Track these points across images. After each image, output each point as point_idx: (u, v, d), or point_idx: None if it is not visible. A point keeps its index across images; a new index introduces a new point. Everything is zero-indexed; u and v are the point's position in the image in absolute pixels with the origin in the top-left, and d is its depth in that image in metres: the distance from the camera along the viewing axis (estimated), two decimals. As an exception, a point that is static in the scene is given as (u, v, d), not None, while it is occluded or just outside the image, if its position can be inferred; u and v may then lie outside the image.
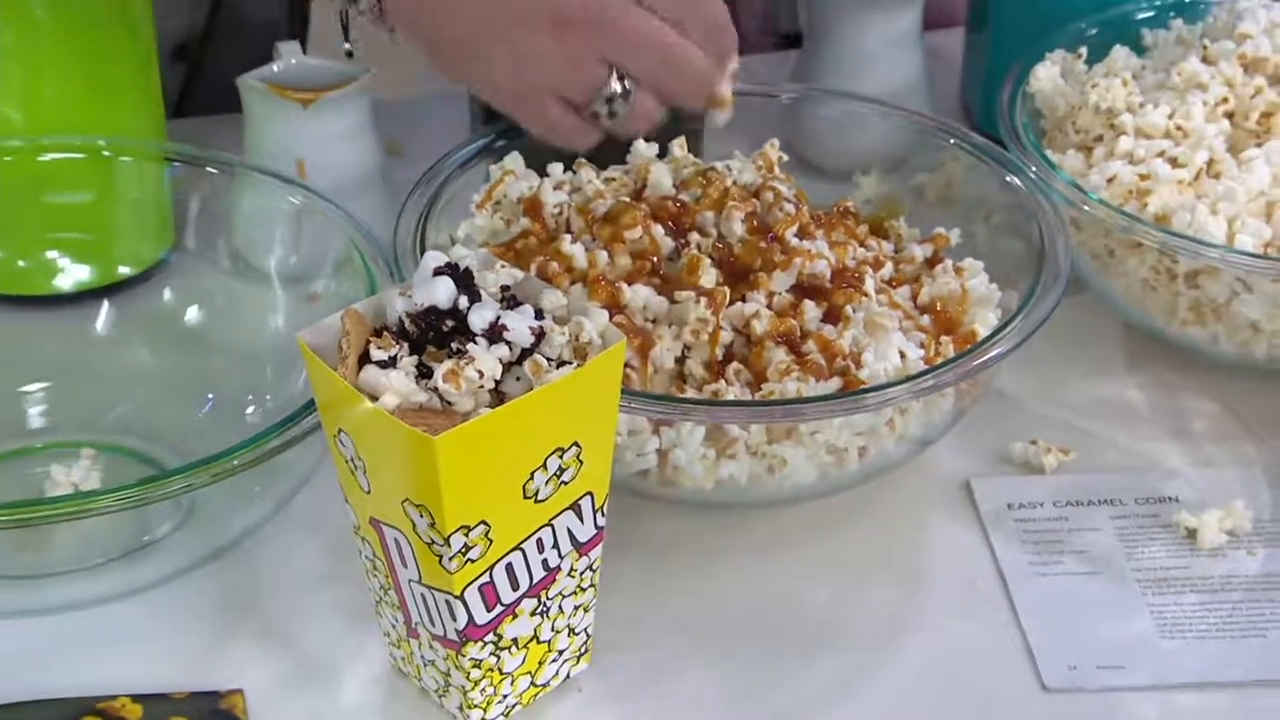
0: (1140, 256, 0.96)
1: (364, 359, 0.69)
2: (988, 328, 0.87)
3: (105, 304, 0.97)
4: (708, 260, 0.86)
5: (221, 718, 0.76)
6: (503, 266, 0.73)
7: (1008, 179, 0.95)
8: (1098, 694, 0.79)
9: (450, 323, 0.69)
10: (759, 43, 1.30)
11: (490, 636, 0.73)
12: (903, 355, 0.84)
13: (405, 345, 0.69)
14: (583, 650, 0.78)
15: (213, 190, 0.96)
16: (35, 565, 0.80)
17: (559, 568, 0.73)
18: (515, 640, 0.74)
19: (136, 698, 0.76)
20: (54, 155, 0.95)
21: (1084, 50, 1.06)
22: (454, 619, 0.71)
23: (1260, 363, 0.96)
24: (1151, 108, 0.99)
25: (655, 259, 0.87)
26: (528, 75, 0.88)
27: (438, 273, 0.70)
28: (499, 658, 0.74)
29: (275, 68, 0.99)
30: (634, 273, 0.86)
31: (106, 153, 0.96)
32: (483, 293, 0.70)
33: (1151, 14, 1.11)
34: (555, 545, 0.72)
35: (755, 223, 0.88)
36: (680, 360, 0.84)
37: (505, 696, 0.76)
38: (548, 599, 0.74)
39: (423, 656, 0.75)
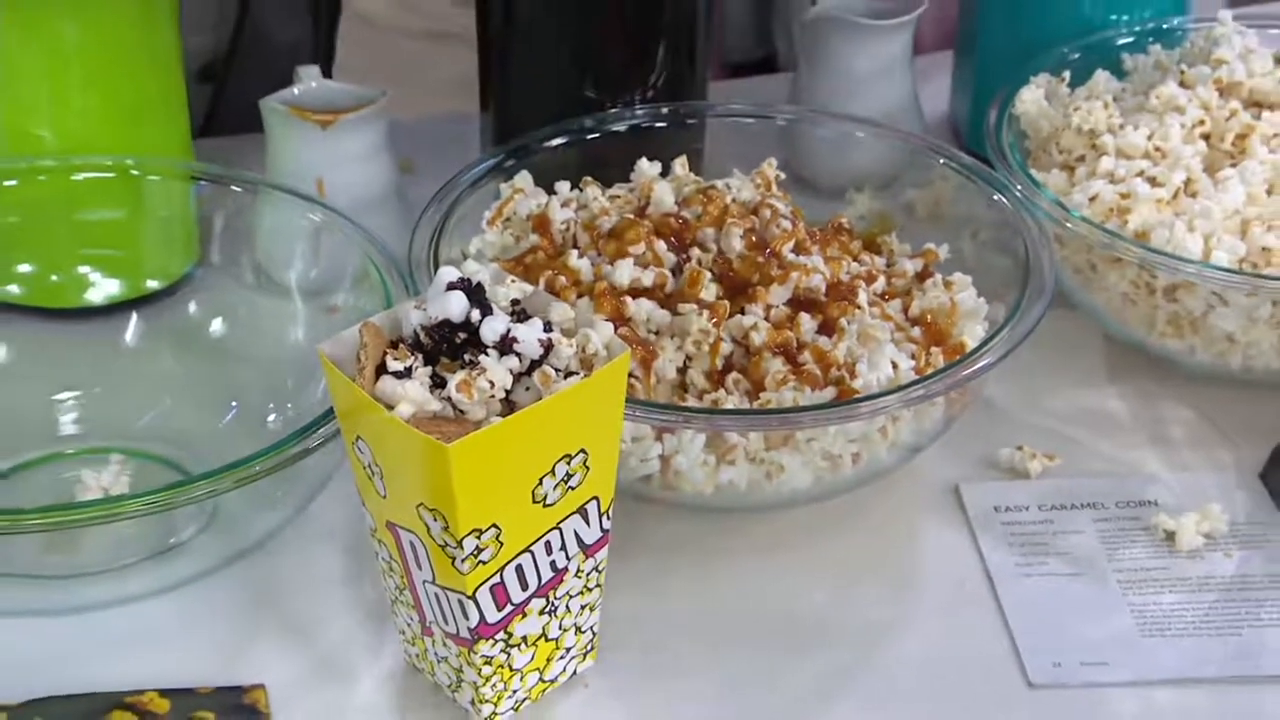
0: (1121, 271, 0.96)
1: (381, 370, 0.70)
2: (976, 339, 0.87)
3: (134, 316, 0.98)
4: (708, 274, 0.86)
5: (245, 712, 0.76)
6: (513, 281, 0.74)
7: (994, 197, 0.96)
8: (1081, 689, 0.79)
9: (463, 335, 0.69)
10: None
11: (501, 634, 0.73)
12: (895, 366, 0.84)
13: (420, 356, 0.70)
14: (589, 648, 0.78)
15: (236, 208, 0.96)
16: (66, 566, 0.80)
17: (566, 569, 0.74)
18: (524, 638, 0.74)
19: (164, 692, 0.77)
20: (85, 174, 0.95)
21: (1067, 74, 1.07)
22: (466, 618, 0.72)
23: (1235, 373, 0.96)
24: (1131, 129, 0.99)
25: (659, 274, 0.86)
26: None
27: (451, 287, 0.70)
28: (509, 655, 0.74)
29: (296, 90, 1.00)
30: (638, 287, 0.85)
31: (135, 172, 0.96)
32: (494, 306, 0.70)
33: (1131, 40, 1.11)
34: (563, 547, 0.73)
35: (754, 238, 0.88)
36: (682, 370, 0.84)
37: (515, 692, 0.76)
38: (556, 599, 0.74)
39: (436, 653, 0.76)
